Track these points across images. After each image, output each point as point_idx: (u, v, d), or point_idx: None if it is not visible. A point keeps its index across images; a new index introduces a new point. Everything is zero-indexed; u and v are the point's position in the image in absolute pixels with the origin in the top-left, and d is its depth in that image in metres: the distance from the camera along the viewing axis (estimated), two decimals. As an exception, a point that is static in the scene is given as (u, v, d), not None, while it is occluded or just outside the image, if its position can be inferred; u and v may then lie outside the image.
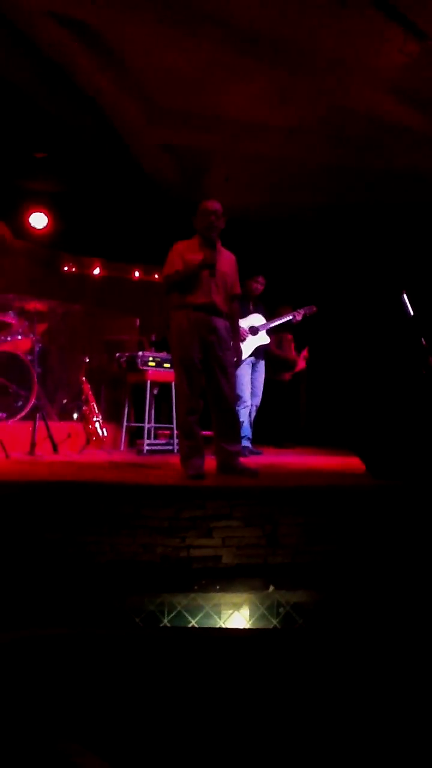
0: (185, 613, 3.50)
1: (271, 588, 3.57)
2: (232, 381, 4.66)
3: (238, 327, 4.94)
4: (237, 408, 5.62)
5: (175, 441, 6.44)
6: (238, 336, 4.91)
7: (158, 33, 5.23)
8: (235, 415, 4.72)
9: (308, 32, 5.09)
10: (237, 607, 3.56)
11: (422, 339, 4.89)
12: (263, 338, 6.19)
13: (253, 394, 6.29)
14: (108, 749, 2.20)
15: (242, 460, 5.03)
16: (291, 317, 6.27)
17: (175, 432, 6.44)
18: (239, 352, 4.91)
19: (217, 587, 3.55)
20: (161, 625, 3.46)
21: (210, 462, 4.60)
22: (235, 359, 4.79)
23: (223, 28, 5.10)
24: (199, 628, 3.43)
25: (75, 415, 6.82)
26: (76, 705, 2.49)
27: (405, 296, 5.17)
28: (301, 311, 6.34)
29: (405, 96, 5.86)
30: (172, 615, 3.49)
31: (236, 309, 4.84)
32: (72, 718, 2.40)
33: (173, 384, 6.36)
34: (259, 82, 5.80)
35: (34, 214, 8.03)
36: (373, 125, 6.36)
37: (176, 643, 3.20)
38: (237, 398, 5.41)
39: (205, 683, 2.74)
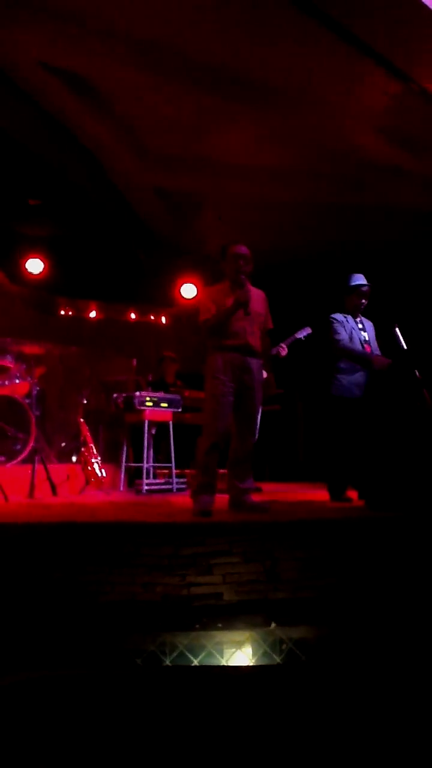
0: (187, 653, 3.47)
1: (273, 625, 3.54)
2: (257, 421, 4.70)
3: (270, 361, 4.98)
4: None
5: (174, 480, 6.45)
6: (269, 369, 4.93)
7: (147, 80, 5.39)
8: (251, 454, 4.72)
9: (294, 76, 5.23)
10: (239, 645, 3.53)
11: (416, 372, 4.92)
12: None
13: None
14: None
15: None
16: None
17: (174, 471, 6.46)
18: (272, 385, 4.94)
19: (219, 625, 3.52)
20: (163, 665, 3.42)
21: (220, 499, 4.61)
22: (267, 393, 4.83)
23: (210, 74, 5.25)
24: (201, 666, 3.39)
25: (74, 457, 6.82)
26: (79, 748, 2.47)
27: (397, 330, 5.20)
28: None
29: (392, 135, 5.99)
30: (174, 655, 3.45)
31: (269, 343, 4.90)
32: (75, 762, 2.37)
33: (170, 424, 6.45)
34: (248, 126, 5.95)
35: (30, 259, 8.16)
36: (363, 165, 6.48)
37: (179, 683, 3.17)
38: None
39: (209, 722, 2.72)
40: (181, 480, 6.64)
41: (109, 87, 5.60)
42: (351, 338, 5.33)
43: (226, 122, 5.92)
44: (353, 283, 5.42)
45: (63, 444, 7.10)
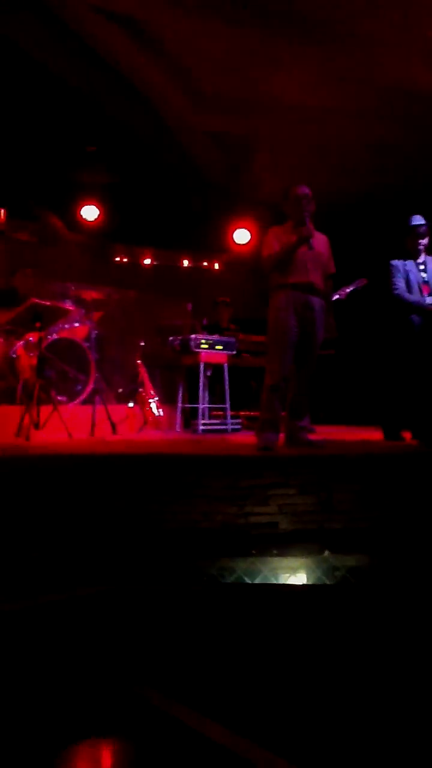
0: (244, 577, 3.65)
1: (327, 552, 3.69)
2: (316, 360, 4.76)
3: (332, 304, 5.01)
4: None
5: (229, 421, 6.59)
6: (331, 313, 4.96)
7: (201, 22, 5.38)
8: (309, 392, 4.80)
9: (348, 11, 5.15)
10: (294, 570, 3.69)
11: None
12: None
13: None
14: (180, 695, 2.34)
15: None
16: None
17: (229, 412, 6.59)
18: (332, 328, 4.95)
19: (275, 552, 3.68)
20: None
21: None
22: (327, 336, 4.88)
23: (261, 13, 5.21)
24: (259, 584, 3.57)
25: (132, 399, 7.01)
26: (150, 655, 2.65)
27: None
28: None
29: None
30: (232, 578, 3.63)
31: (331, 287, 4.95)
32: (147, 666, 2.56)
33: (225, 366, 6.57)
34: (302, 66, 5.89)
35: (85, 206, 8.30)
36: (421, 101, 6.35)
37: (239, 597, 3.36)
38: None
39: (265, 633, 2.88)
40: (236, 421, 6.78)
41: (162, 30, 5.62)
42: (408, 282, 5.28)
43: (279, 62, 5.87)
44: (410, 224, 5.38)
45: (121, 385, 7.30)
